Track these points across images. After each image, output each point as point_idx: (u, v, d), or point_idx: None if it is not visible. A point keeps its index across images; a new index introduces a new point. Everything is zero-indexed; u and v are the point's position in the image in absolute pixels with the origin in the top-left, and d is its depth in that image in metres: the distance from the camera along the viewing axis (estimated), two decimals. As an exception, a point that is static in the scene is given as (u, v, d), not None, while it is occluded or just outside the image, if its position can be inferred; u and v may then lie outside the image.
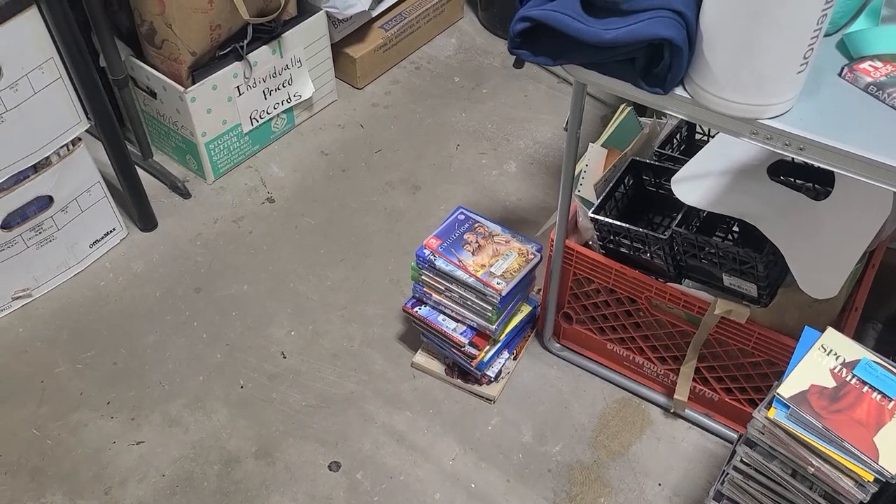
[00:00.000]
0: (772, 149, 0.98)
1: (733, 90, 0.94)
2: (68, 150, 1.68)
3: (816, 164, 0.96)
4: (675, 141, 1.55)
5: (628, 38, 0.94)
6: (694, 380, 1.52)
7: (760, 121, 0.96)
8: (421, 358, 1.67)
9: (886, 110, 0.97)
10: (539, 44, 1.02)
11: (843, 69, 1.01)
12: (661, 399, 1.60)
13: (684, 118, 1.03)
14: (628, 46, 0.95)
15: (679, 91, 1.00)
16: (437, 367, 1.65)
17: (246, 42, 1.89)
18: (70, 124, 1.65)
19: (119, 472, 1.52)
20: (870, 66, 1.00)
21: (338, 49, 2.24)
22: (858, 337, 1.69)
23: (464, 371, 1.62)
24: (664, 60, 0.95)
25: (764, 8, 0.86)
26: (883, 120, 0.96)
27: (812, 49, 0.90)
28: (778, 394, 1.03)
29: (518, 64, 2.37)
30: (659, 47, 0.95)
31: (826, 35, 1.07)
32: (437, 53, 2.44)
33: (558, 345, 1.69)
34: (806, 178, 1.37)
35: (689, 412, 1.57)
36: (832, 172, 1.26)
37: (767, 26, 0.87)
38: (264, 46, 1.95)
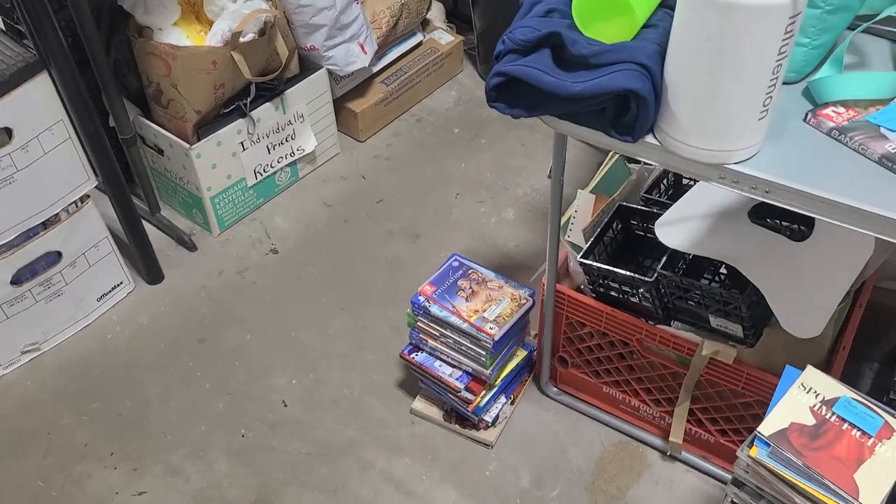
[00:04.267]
0: (740, 192, 1.01)
1: (698, 137, 0.98)
2: (77, 206, 1.74)
3: (782, 206, 0.99)
4: (662, 186, 1.59)
5: (596, 90, 0.98)
6: (689, 421, 1.52)
7: (727, 166, 1.00)
8: (419, 404, 1.69)
9: (849, 153, 1.01)
10: (515, 97, 1.08)
11: (807, 115, 1.05)
12: (657, 442, 1.60)
13: (656, 164, 1.07)
14: (597, 98, 1.00)
15: (649, 139, 1.04)
16: (435, 412, 1.67)
17: (249, 100, 1.97)
18: (79, 182, 1.71)
19: (121, 521, 1.54)
20: (833, 111, 1.04)
21: (340, 103, 2.31)
22: (855, 377, 1.69)
23: (462, 416, 1.64)
24: (631, 111, 1.00)
25: (721, 60, 0.90)
26: (845, 162, 0.99)
27: (770, 97, 0.94)
28: (759, 432, 1.05)
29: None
30: (626, 98, 1.00)
31: (792, 83, 1.11)
32: (437, 106, 2.51)
33: (555, 388, 1.70)
34: (790, 219, 1.40)
35: (685, 454, 1.57)
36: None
37: (725, 77, 0.91)
38: (267, 103, 2.02)
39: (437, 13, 2.61)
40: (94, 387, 1.77)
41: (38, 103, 1.57)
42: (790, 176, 0.98)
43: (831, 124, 1.03)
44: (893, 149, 0.98)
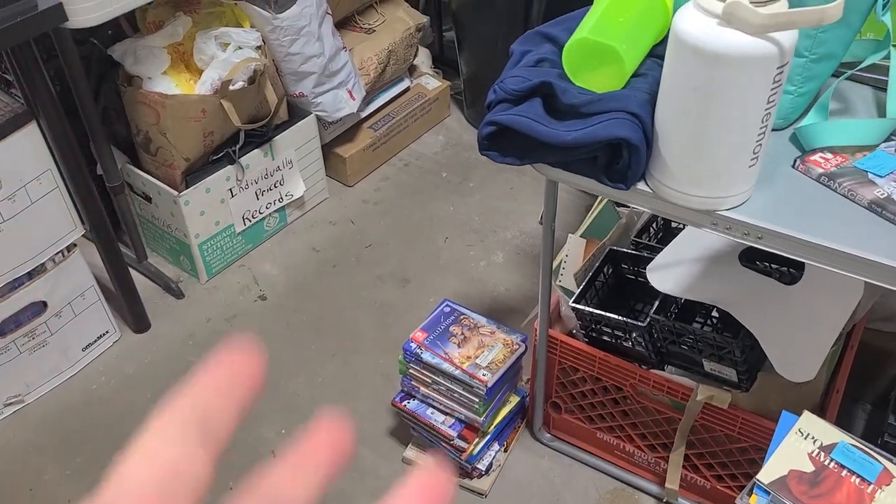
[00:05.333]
0: (732, 238, 1.02)
1: (690, 184, 0.99)
2: (63, 256, 1.72)
3: (774, 251, 1.00)
4: (651, 230, 1.59)
5: (588, 138, 0.99)
6: (685, 467, 1.51)
7: (719, 212, 1.01)
8: (411, 452, 1.66)
9: (838, 198, 1.02)
10: (506, 145, 1.08)
11: (795, 161, 1.06)
12: (653, 488, 1.58)
13: (648, 211, 1.07)
14: (589, 146, 1.01)
15: (641, 186, 1.05)
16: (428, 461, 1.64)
17: (238, 147, 1.97)
18: (65, 231, 1.70)
19: (105, 580, 1.49)
20: (821, 157, 1.06)
21: (328, 149, 2.32)
22: (848, 419, 1.69)
23: (455, 465, 1.61)
24: (623, 159, 1.01)
25: (709, 110, 0.91)
26: (835, 208, 1.00)
27: (760, 144, 0.95)
28: (758, 480, 1.03)
29: (503, 158, 2.45)
30: (618, 146, 1.01)
31: (779, 129, 1.13)
32: (425, 150, 2.53)
33: (549, 435, 1.68)
34: (781, 262, 1.41)
35: (682, 501, 1.55)
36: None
37: (715, 127, 0.92)
38: (256, 150, 2.03)
39: (423, 59, 2.64)
40: (79, 440, 1.73)
41: (27, 153, 1.57)
42: (781, 222, 0.99)
43: (820, 170, 1.04)
44: (882, 195, 0.99)
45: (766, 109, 0.92)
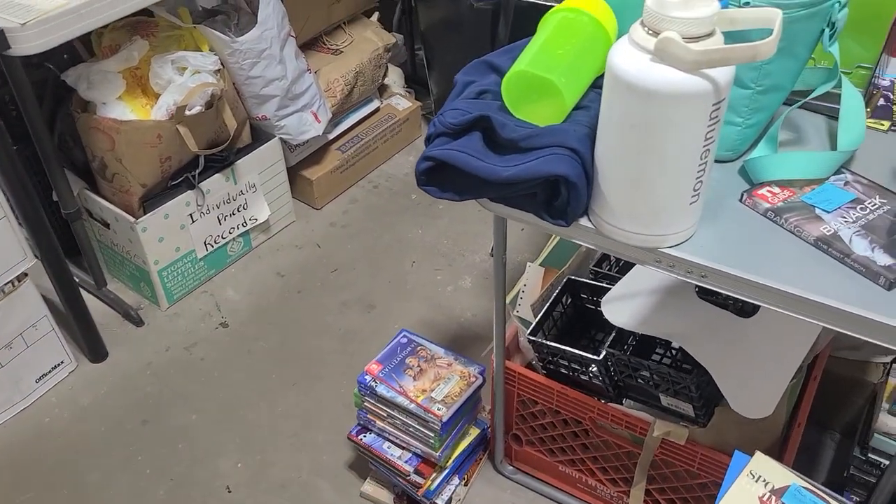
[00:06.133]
0: (676, 276, 0.99)
1: (631, 222, 0.96)
2: (13, 286, 1.68)
3: (718, 290, 0.96)
4: (611, 258, 1.56)
5: (524, 175, 0.96)
6: (647, 502, 1.47)
7: (661, 250, 0.97)
8: (369, 487, 1.62)
9: (785, 234, 0.99)
10: (445, 180, 1.05)
11: (742, 195, 1.03)
12: (616, 522, 1.54)
13: (592, 247, 1.04)
14: (526, 183, 0.97)
15: (584, 222, 1.02)
16: (385, 496, 1.60)
17: (198, 171, 1.94)
18: (15, 261, 1.66)
19: None
20: (768, 191, 1.03)
21: (295, 171, 2.29)
22: (815, 448, 1.66)
23: (413, 499, 1.57)
24: (562, 195, 0.97)
25: (646, 147, 0.88)
26: (782, 245, 0.97)
27: (701, 181, 0.92)
28: (706, 526, 1.00)
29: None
30: (556, 183, 0.97)
31: (728, 161, 1.10)
32: (395, 171, 2.49)
33: (511, 467, 1.64)
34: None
35: (645, 536, 1.51)
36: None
37: (652, 163, 0.89)
38: (217, 174, 1.99)
39: (395, 78, 2.62)
40: (29, 475, 1.69)
41: (-29, 182, 1.53)
42: (726, 260, 0.95)
43: (767, 205, 1.01)
44: (829, 231, 0.96)
45: (704, 146, 0.89)
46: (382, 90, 2.56)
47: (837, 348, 1.57)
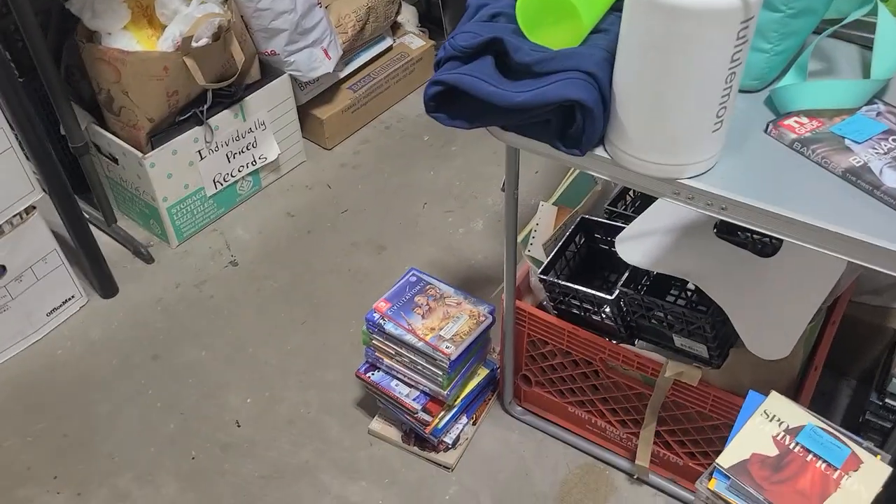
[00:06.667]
0: (695, 209, 0.95)
1: (649, 150, 0.92)
2: (21, 218, 1.67)
3: (739, 223, 0.93)
4: (627, 198, 1.52)
5: (538, 100, 0.92)
6: (657, 444, 1.46)
7: (680, 181, 0.93)
8: (377, 425, 1.62)
9: (811, 167, 0.94)
10: (456, 107, 1.01)
11: (768, 125, 0.99)
12: (624, 464, 1.53)
13: (607, 179, 1.00)
14: (539, 108, 0.93)
15: (599, 151, 0.98)
16: (393, 433, 1.60)
17: (206, 107, 1.90)
18: (23, 193, 1.64)
19: (61, 551, 1.47)
20: (795, 122, 0.98)
21: (305, 110, 2.25)
22: (831, 395, 1.63)
23: (421, 437, 1.57)
24: (577, 122, 0.93)
25: (669, 68, 0.83)
26: (807, 177, 0.93)
27: (725, 107, 0.87)
28: (717, 464, 0.98)
29: (488, 121, 2.37)
30: (571, 109, 0.93)
31: (754, 91, 1.05)
32: (407, 112, 2.44)
33: (520, 408, 1.63)
34: (759, 233, 1.33)
35: (653, 478, 1.50)
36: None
37: (674, 87, 0.85)
38: (226, 111, 1.95)
39: (409, 17, 2.54)
40: (40, 406, 1.70)
41: (-25, 111, 1.50)
42: (748, 192, 0.91)
43: (793, 136, 0.96)
44: (858, 162, 0.92)
45: (730, 68, 0.84)
46: (395, 28, 2.49)
47: (858, 293, 1.53)
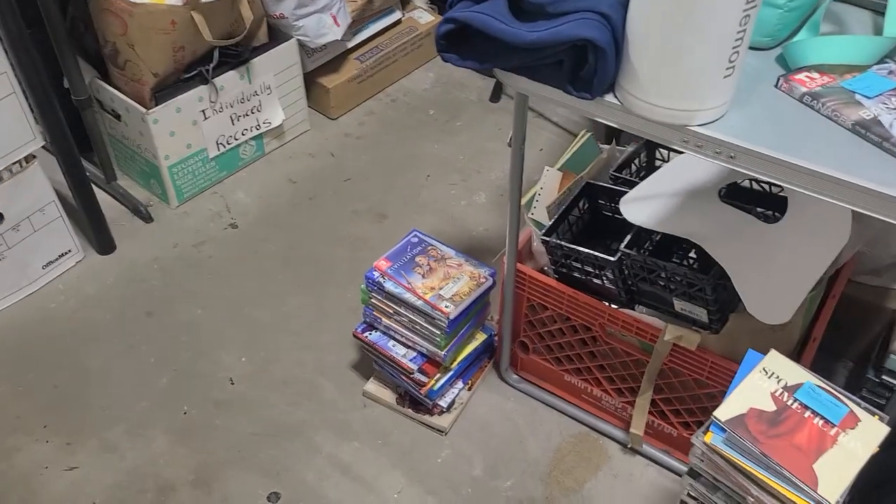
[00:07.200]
0: (703, 157, 0.94)
1: (660, 95, 0.91)
2: (21, 166, 1.66)
3: (747, 172, 0.92)
4: (633, 165, 1.52)
5: (550, 39, 0.91)
6: (651, 413, 1.45)
7: (690, 128, 0.93)
8: (372, 386, 1.61)
9: (821, 120, 0.94)
10: (467, 48, 1.00)
11: (779, 80, 0.98)
12: (618, 434, 1.53)
13: (615, 125, 0.99)
14: (552, 48, 0.93)
15: (609, 98, 0.97)
16: (388, 396, 1.59)
17: (212, 66, 1.89)
18: (23, 141, 1.63)
19: (49, 498, 1.45)
20: (806, 76, 0.97)
21: (312, 78, 2.24)
22: (827, 375, 1.62)
23: (415, 400, 1.56)
24: (589, 63, 0.93)
25: (684, 10, 0.83)
26: (816, 129, 0.92)
27: (738, 52, 0.87)
28: (714, 417, 0.97)
29: (494, 98, 2.36)
30: (584, 50, 0.92)
31: (765, 49, 1.04)
32: (413, 87, 2.43)
33: (515, 376, 1.63)
34: (761, 205, 1.33)
35: (647, 448, 1.50)
36: (787, 199, 1.23)
37: (689, 29, 0.84)
38: (232, 71, 1.94)
39: (418, -8, 2.54)
40: (32, 357, 1.69)
41: (-20, 53, 1.49)
42: (757, 141, 0.91)
43: (804, 89, 0.96)
44: (868, 116, 0.91)
45: (744, 10, 0.83)
46: (405, 2, 2.48)
47: (857, 273, 1.53)
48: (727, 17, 0.83)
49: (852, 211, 0.95)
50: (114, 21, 1.73)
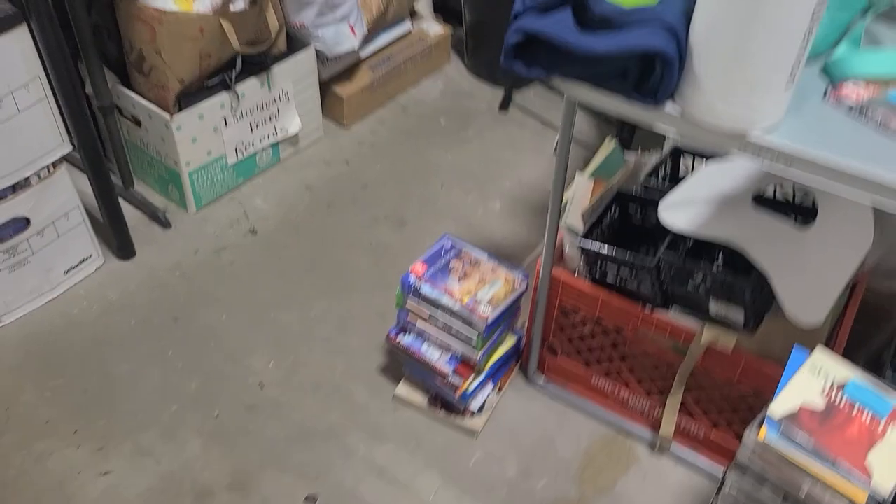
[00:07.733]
0: (758, 165, 0.99)
1: (723, 99, 0.96)
2: (49, 172, 1.65)
3: (802, 181, 0.97)
4: (659, 172, 1.56)
5: (620, 50, 0.95)
6: (680, 414, 1.49)
7: (748, 137, 0.97)
8: (403, 390, 1.63)
9: (869, 130, 0.99)
10: (533, 57, 1.04)
11: (826, 92, 1.03)
12: (646, 435, 1.57)
13: (673, 135, 1.04)
14: (620, 58, 0.97)
15: (669, 107, 1.02)
16: (419, 399, 1.61)
17: (235, 73, 1.90)
18: (52, 146, 1.63)
19: (86, 502, 1.45)
20: (852, 90, 1.03)
21: (326, 88, 2.26)
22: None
23: (447, 403, 1.59)
24: (655, 73, 0.97)
25: (755, 12, 0.87)
26: (867, 138, 0.98)
27: (799, 64, 0.92)
28: (769, 414, 1.02)
29: (503, 107, 2.41)
30: (650, 61, 0.97)
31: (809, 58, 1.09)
32: (423, 96, 2.47)
33: (543, 378, 1.66)
34: (788, 213, 1.38)
35: (675, 448, 1.54)
36: (814, 208, 1.28)
37: (759, 30, 0.89)
38: (253, 78, 1.96)
39: (424, 5, 2.58)
40: (59, 362, 1.68)
41: (15, 57, 1.49)
42: (812, 148, 0.96)
43: (850, 102, 1.01)
44: (916, 125, 0.97)
45: (810, 22, 0.88)
46: (413, 14, 2.52)
47: (874, 275, 1.59)
48: (795, 27, 0.88)
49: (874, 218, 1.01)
50: (143, 28, 1.74)
